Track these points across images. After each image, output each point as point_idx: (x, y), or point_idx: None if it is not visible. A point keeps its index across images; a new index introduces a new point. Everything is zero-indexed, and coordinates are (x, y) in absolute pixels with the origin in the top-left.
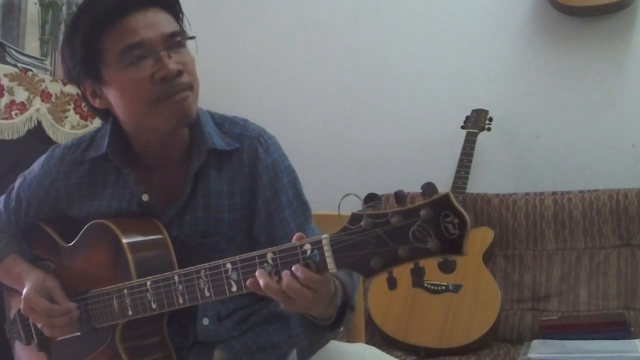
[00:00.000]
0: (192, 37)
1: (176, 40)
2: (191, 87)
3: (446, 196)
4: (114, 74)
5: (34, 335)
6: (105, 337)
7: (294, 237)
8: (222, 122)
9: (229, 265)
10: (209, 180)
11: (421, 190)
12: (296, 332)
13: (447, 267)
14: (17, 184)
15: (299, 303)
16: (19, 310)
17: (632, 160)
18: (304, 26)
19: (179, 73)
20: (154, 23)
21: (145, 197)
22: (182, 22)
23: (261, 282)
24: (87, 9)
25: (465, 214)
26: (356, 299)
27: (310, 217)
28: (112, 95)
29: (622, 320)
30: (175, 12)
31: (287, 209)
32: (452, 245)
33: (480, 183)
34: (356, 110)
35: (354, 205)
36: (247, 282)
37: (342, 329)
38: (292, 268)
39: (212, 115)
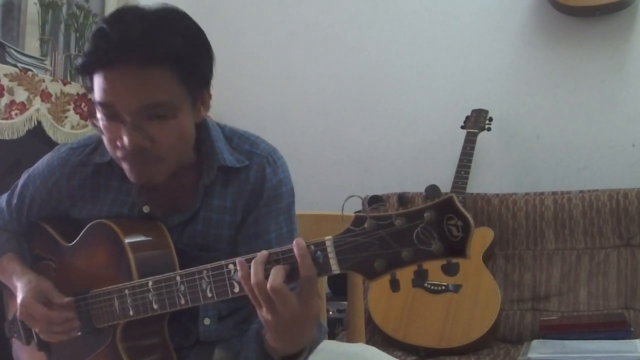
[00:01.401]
0: (174, 116)
1: (153, 112)
2: (160, 160)
3: (450, 199)
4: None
5: (34, 335)
6: (106, 337)
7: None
8: (232, 136)
9: (231, 267)
10: (213, 195)
11: (425, 193)
12: (246, 353)
13: (450, 270)
14: (20, 181)
15: (281, 310)
16: None
17: (632, 160)
18: (304, 26)
19: (142, 149)
20: (132, 88)
21: (146, 209)
22: (196, 81)
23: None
24: (90, 40)
25: (469, 216)
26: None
27: None
28: None
29: (622, 320)
30: (185, 70)
31: (274, 231)
32: (456, 248)
33: (480, 183)
34: (356, 110)
35: (356, 205)
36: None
37: None
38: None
39: (222, 128)
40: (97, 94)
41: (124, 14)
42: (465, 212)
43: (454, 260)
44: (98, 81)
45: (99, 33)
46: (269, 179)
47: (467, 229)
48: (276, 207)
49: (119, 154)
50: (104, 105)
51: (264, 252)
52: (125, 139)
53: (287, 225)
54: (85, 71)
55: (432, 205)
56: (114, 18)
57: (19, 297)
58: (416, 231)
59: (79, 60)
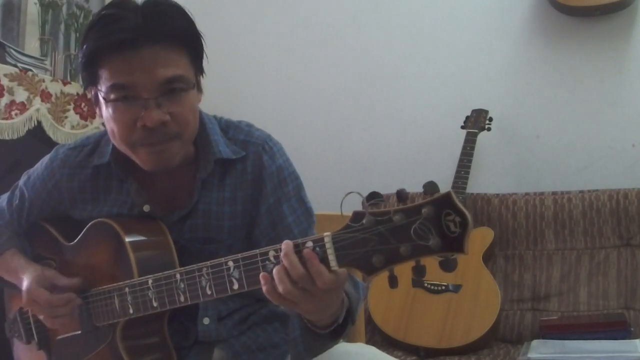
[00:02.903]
0: (194, 88)
1: (172, 86)
2: (178, 136)
3: (448, 194)
4: (103, 102)
5: (35, 334)
6: (106, 335)
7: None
8: (227, 128)
9: (230, 263)
10: (211, 189)
11: (423, 189)
12: (293, 334)
13: (448, 265)
14: (21, 182)
15: (304, 302)
16: (20, 308)
17: (632, 160)
18: (304, 26)
19: (163, 124)
20: (152, 65)
21: (146, 208)
22: (200, 60)
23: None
24: (95, 27)
25: (467, 212)
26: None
27: (314, 224)
28: (103, 118)
29: (622, 320)
30: (192, 48)
31: (290, 215)
32: (454, 243)
33: (480, 183)
34: (356, 110)
35: (356, 205)
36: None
37: (340, 340)
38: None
39: (218, 121)
40: (113, 77)
41: (124, 2)
42: (463, 208)
43: (452, 256)
44: (112, 65)
45: (107, 19)
46: (267, 166)
47: (464, 224)
48: (284, 193)
49: (135, 137)
50: (121, 87)
51: (289, 242)
52: (148, 116)
53: (301, 206)
54: (95, 58)
55: (430, 201)
56: (115, 5)
57: (24, 286)
58: (414, 227)
59: (86, 48)
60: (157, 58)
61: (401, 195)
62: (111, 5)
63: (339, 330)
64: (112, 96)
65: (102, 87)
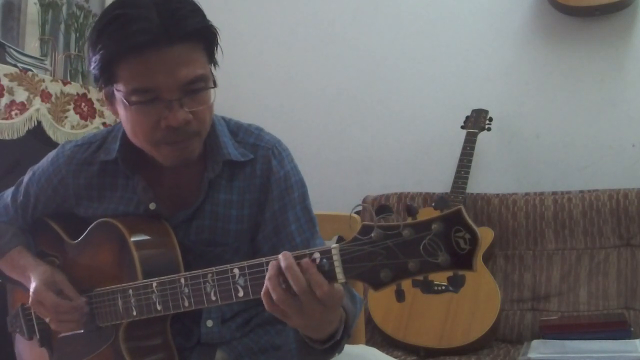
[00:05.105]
0: (214, 86)
1: (195, 87)
2: (198, 133)
3: (458, 211)
4: (122, 103)
5: (36, 331)
6: (109, 336)
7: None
8: (237, 131)
9: (236, 271)
10: (219, 189)
11: (433, 204)
12: (288, 347)
13: (456, 282)
14: (26, 178)
15: (303, 313)
16: (22, 304)
17: (632, 160)
18: (304, 26)
19: (186, 123)
20: (174, 66)
21: (152, 206)
22: (214, 54)
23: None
24: (111, 28)
25: (477, 229)
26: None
27: (317, 233)
28: (120, 115)
29: (622, 320)
30: (210, 46)
31: (293, 223)
32: (463, 261)
33: (480, 183)
34: (356, 110)
35: (356, 202)
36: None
37: (336, 354)
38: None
39: (227, 122)
40: (135, 80)
41: (135, 1)
42: (473, 225)
43: (461, 273)
44: (132, 66)
45: (123, 19)
46: (275, 171)
47: (474, 241)
48: (289, 200)
49: (159, 136)
50: (144, 90)
51: (287, 253)
52: (173, 117)
53: (305, 215)
54: (112, 62)
55: (440, 216)
56: (128, 4)
57: (32, 285)
58: (423, 242)
59: (104, 50)
60: (179, 58)
61: (411, 209)
62: (123, 4)
63: (335, 346)
64: (134, 99)
65: (122, 88)
